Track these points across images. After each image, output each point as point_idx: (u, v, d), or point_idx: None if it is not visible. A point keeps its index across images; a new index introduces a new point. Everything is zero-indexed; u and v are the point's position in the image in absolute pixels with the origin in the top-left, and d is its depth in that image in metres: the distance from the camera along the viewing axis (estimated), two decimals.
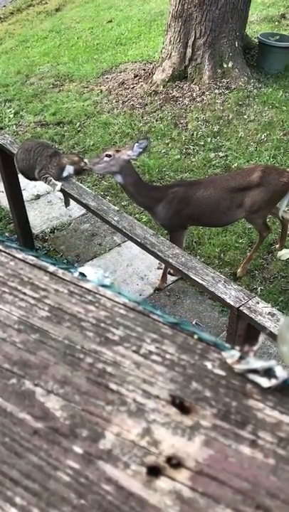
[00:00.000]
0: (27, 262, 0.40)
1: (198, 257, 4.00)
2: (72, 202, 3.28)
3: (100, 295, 0.38)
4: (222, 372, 0.33)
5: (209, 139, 5.46)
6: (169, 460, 0.29)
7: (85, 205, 2.87)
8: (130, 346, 0.35)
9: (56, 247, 4.25)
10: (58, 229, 4.47)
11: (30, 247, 4.16)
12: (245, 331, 2.18)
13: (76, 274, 0.39)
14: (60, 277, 0.39)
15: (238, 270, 3.83)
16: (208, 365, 0.33)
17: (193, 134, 5.55)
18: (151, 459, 0.29)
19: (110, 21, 9.30)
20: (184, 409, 0.31)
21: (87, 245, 4.26)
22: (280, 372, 0.32)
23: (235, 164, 5.05)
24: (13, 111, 6.46)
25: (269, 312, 2.07)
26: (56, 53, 8.17)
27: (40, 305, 0.38)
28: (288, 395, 0.32)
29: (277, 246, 4.05)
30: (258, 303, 2.12)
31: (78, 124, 5.93)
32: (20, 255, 0.40)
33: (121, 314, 0.37)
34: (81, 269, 0.39)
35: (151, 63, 7.02)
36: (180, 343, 0.35)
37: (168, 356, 0.34)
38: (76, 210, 4.53)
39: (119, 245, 4.21)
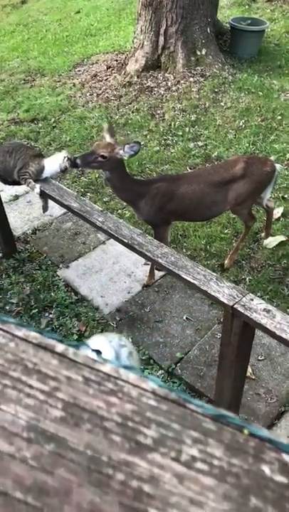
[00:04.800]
0: (30, 342, 0.33)
1: (184, 250, 3.95)
2: (49, 201, 3.18)
3: (122, 380, 0.31)
4: (284, 479, 0.27)
5: (187, 129, 5.39)
6: None
7: (67, 207, 2.78)
8: (168, 452, 0.28)
9: (39, 249, 4.15)
10: (39, 229, 4.36)
11: (12, 250, 4.05)
12: (241, 329, 2.13)
13: (89, 353, 0.32)
14: (71, 359, 0.32)
15: (226, 261, 3.79)
16: (266, 469, 0.27)
17: (170, 125, 5.47)
18: None
19: (78, 12, 9.12)
20: None
21: (71, 245, 4.17)
22: None
23: (215, 153, 4.99)
24: None
25: (264, 308, 2.03)
26: (25, 47, 7.98)
27: (52, 401, 0.30)
28: None
29: (263, 234, 4.01)
30: (252, 299, 2.08)
31: (53, 119, 5.79)
32: (21, 332, 0.33)
33: (151, 406, 0.30)
34: (93, 344, 0.33)
35: (123, 53, 6.89)
36: (228, 442, 0.28)
37: (216, 462, 0.28)
38: (57, 209, 4.42)
39: (103, 243, 4.13)
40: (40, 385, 0.31)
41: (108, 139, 3.03)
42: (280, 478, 0.27)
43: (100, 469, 0.28)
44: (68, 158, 2.91)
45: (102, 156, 2.91)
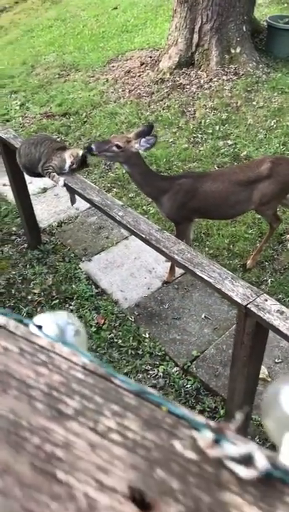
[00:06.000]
0: None
1: (206, 248, 3.93)
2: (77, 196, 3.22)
3: (55, 354, 0.32)
4: (193, 456, 0.28)
5: (217, 127, 5.35)
6: None
7: (89, 200, 2.82)
8: (86, 422, 0.29)
9: (63, 241, 4.21)
10: (65, 222, 4.42)
11: (37, 241, 4.12)
12: (253, 329, 2.12)
13: (31, 327, 0.34)
14: (10, 331, 0.34)
15: (248, 262, 3.75)
16: (177, 445, 0.28)
17: (201, 122, 5.45)
18: None
19: (116, 8, 9.16)
20: (144, 505, 0.26)
21: (95, 238, 4.21)
22: (261, 462, 0.26)
23: (245, 152, 4.94)
24: (19, 102, 6.40)
25: (278, 310, 2.01)
26: (61, 42, 8.07)
27: None
28: (272, 485, 0.26)
29: (288, 236, 3.96)
30: (266, 300, 2.06)
31: (84, 114, 5.85)
32: None
33: (78, 379, 0.31)
34: (37, 320, 0.34)
35: (157, 50, 6.89)
36: (145, 417, 0.29)
37: (130, 435, 0.29)
38: (83, 202, 4.46)
39: (126, 238, 4.16)
40: None
41: (131, 134, 3.04)
42: (189, 454, 0.28)
43: (19, 432, 0.29)
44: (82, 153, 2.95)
45: (117, 146, 2.91)
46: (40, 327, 0.34)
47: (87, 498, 0.27)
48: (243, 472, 0.26)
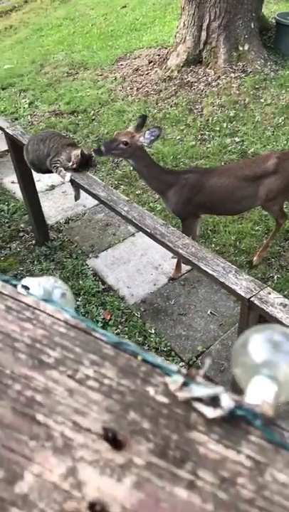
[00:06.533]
0: None
1: (213, 245, 3.94)
2: (83, 193, 3.24)
3: (40, 311, 0.35)
4: (165, 400, 0.29)
5: (225, 124, 5.35)
6: (92, 506, 0.26)
7: (95, 196, 2.84)
8: (65, 370, 0.31)
9: (71, 238, 4.24)
10: (72, 219, 4.45)
11: (44, 238, 4.15)
12: (256, 323, 2.13)
13: (19, 288, 0.36)
14: None
15: (254, 258, 3.76)
16: (151, 390, 0.30)
17: (208, 120, 5.45)
18: (72, 505, 0.26)
19: (124, 6, 9.18)
20: (117, 444, 0.28)
21: (102, 235, 4.23)
22: (226, 402, 0.28)
23: (252, 149, 4.94)
24: (28, 101, 6.44)
25: (281, 303, 2.02)
26: (70, 41, 8.11)
27: None
28: (237, 425, 0.28)
29: None
30: (269, 293, 2.06)
31: (92, 112, 5.88)
32: None
33: (60, 333, 0.33)
34: (24, 282, 0.36)
35: (166, 48, 6.90)
36: (122, 366, 0.31)
37: (106, 381, 0.30)
38: (90, 200, 4.49)
39: (133, 235, 4.18)
40: None
41: (130, 128, 3.07)
42: (161, 398, 0.30)
43: (1, 380, 0.31)
44: (81, 154, 2.95)
45: (124, 143, 2.93)
46: (27, 288, 0.36)
47: (64, 437, 0.28)
48: (210, 413, 0.28)
